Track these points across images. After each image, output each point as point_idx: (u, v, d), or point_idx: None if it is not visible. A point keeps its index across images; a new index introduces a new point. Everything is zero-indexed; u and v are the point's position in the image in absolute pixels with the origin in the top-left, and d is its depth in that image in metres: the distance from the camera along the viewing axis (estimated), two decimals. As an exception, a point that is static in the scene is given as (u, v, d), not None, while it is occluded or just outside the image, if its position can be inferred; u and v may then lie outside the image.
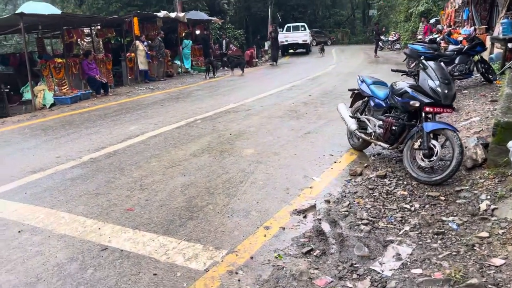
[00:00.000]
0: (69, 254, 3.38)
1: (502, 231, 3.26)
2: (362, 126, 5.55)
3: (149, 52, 15.49)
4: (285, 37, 27.76)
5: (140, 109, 9.78)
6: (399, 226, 3.63)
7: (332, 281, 2.86)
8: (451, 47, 12.95)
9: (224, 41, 22.08)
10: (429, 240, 3.35)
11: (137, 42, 14.36)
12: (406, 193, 4.28)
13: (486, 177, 4.19)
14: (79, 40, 13.66)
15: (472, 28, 15.00)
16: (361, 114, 5.61)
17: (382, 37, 27.05)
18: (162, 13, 15.80)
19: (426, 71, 4.50)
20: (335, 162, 5.42)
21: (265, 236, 3.56)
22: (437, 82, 4.36)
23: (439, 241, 3.29)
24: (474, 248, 3.12)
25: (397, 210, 3.92)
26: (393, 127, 4.78)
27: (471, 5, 16.93)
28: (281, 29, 29.47)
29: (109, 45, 16.49)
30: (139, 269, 3.10)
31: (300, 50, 29.45)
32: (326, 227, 3.69)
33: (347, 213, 3.93)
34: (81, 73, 12.32)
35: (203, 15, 20.41)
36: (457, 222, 3.56)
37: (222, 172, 5.19)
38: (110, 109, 9.94)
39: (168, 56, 17.29)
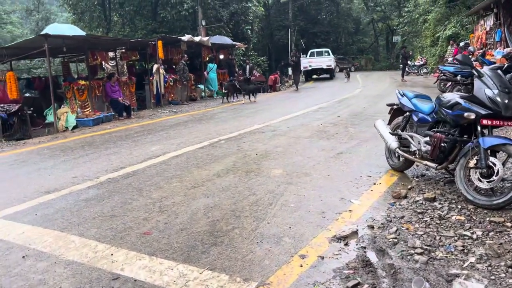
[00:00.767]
0: (75, 283, 2.92)
1: None
2: (403, 144, 5.01)
3: (172, 77, 15.44)
4: (309, 62, 27.56)
5: (162, 130, 9.48)
6: (462, 257, 3.04)
7: (391, 326, 2.30)
8: (486, 67, 12.35)
9: (247, 66, 21.97)
10: (503, 275, 2.76)
11: (159, 66, 14.31)
12: (462, 218, 3.69)
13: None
14: (103, 63, 13.68)
15: (508, 48, 14.38)
16: (402, 131, 5.07)
17: (408, 62, 26.50)
18: (186, 37, 15.80)
19: (482, 79, 3.97)
20: (374, 184, 4.87)
21: (301, 266, 3.03)
22: (496, 91, 3.82)
23: (517, 276, 2.70)
24: None
25: (456, 238, 3.34)
26: (443, 144, 4.22)
27: (503, 26, 16.33)
28: (304, 55, 29.36)
29: (133, 69, 16.54)
30: (153, 304, 2.61)
31: (324, 75, 29.15)
32: (373, 256, 3.14)
33: (395, 240, 3.37)
34: (104, 95, 12.23)
35: (227, 40, 20.43)
36: (535, 253, 2.95)
37: (248, 193, 4.71)
38: (131, 131, 9.69)
39: (191, 80, 17.20)
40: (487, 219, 3.61)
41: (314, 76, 29.78)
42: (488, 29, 18.51)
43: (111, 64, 14.99)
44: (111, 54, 14.37)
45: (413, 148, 4.75)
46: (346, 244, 3.36)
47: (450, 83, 11.91)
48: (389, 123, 5.56)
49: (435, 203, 4.09)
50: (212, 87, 18.90)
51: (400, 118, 5.28)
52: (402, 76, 22.48)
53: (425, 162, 4.57)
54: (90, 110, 11.49)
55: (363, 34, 58.93)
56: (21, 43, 11.12)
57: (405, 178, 5.05)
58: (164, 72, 14.62)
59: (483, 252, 3.07)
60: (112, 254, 3.35)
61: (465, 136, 4.22)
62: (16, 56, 11.22)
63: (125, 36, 23.56)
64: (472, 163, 3.93)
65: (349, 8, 54.86)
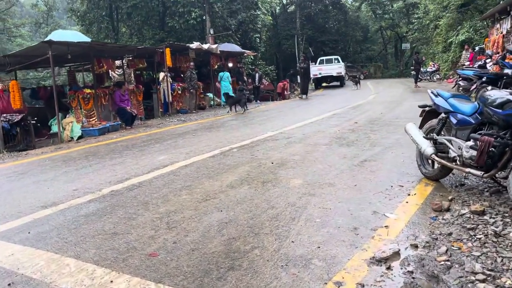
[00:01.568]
0: (65, 320, 2.41)
1: None
2: (439, 150, 4.46)
3: (180, 85, 15.06)
4: (318, 69, 27.10)
5: (171, 139, 9.01)
6: (536, 285, 2.48)
7: None
8: (507, 70, 11.85)
9: (257, 74, 21.56)
10: None
11: (165, 74, 13.92)
12: (523, 235, 3.13)
13: None
14: (110, 71, 13.32)
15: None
16: (437, 135, 4.52)
17: (421, 68, 25.89)
18: (194, 44, 15.43)
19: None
20: (409, 195, 4.31)
21: (339, 297, 2.49)
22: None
23: None
24: None
25: (522, 260, 2.78)
26: (491, 148, 3.67)
27: (522, 29, 15.76)
28: (313, 63, 28.90)
29: (140, 78, 16.18)
30: None
31: (334, 83, 28.65)
32: (425, 284, 2.59)
33: (448, 263, 2.82)
34: (110, 104, 11.83)
35: (235, 47, 20.05)
36: None
37: (267, 206, 4.18)
38: (138, 140, 9.23)
39: (200, 88, 16.80)
40: (554, 236, 3.05)
41: (324, 84, 29.32)
42: (504, 32, 17.90)
43: (118, 73, 14.65)
44: (118, 62, 14.03)
45: (452, 154, 4.20)
46: (388, 268, 2.82)
47: (474, 86, 11.32)
48: (421, 127, 5.02)
49: (485, 217, 3.53)
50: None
51: (435, 120, 4.74)
52: (415, 82, 21.88)
53: (468, 169, 4.01)
54: (96, 120, 11.08)
55: (371, 42, 58.46)
56: (24, 51, 10.78)
57: (442, 188, 4.49)
58: (171, 80, 14.22)
59: (561, 278, 2.52)
60: (112, 281, 2.84)
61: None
62: (20, 65, 10.88)
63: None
64: (528, 170, 3.38)
65: (357, 16, 54.54)
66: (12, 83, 10.21)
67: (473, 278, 2.61)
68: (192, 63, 15.58)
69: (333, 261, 2.96)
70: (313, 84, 29.15)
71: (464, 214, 3.65)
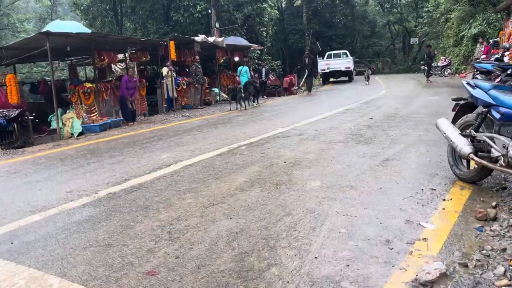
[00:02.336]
0: None
1: None
2: (478, 148, 3.92)
3: (185, 79, 14.57)
4: (326, 64, 26.45)
5: (175, 135, 8.52)
6: None
7: None
8: (530, 62, 11.27)
9: (263, 69, 20.96)
10: None
11: (169, 68, 13.41)
12: None
13: None
14: (112, 65, 12.83)
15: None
16: (476, 132, 3.98)
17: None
18: (200, 37, 14.89)
19: None
20: (444, 200, 3.78)
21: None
22: None
23: None
24: None
25: None
26: (547, 147, 3.13)
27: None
28: (321, 58, 28.23)
29: (144, 73, 15.70)
30: None
31: (342, 78, 28.01)
32: (488, 319, 2.07)
33: (511, 288, 2.30)
34: (112, 99, 11.35)
35: (242, 41, 19.48)
36: None
37: (282, 213, 3.67)
38: (140, 136, 8.75)
39: (206, 83, 16.28)
40: None
41: (331, 79, 28.69)
42: (522, 24, 17.23)
43: (121, 67, 14.16)
44: (120, 56, 13.54)
45: (495, 154, 3.66)
46: (437, 294, 2.31)
47: (499, 79, 10.71)
48: (454, 122, 4.48)
49: (542, 229, 3.00)
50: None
51: (471, 115, 4.20)
52: (427, 76, 21.22)
53: (515, 171, 3.48)
54: (97, 115, 10.61)
55: (378, 37, 57.53)
56: (20, 43, 10.29)
57: (481, 192, 3.95)
58: (175, 75, 13.71)
59: None
60: (100, 309, 2.35)
61: None
62: (17, 58, 10.41)
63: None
64: None
65: (364, 11, 53.70)
66: (9, 76, 9.76)
67: (548, 311, 2.09)
68: (197, 57, 15.05)
69: (367, 284, 2.45)
70: (321, 79, 28.54)
71: (515, 224, 3.12)
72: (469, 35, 25.36)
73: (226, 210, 3.83)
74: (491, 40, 20.91)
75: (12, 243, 3.41)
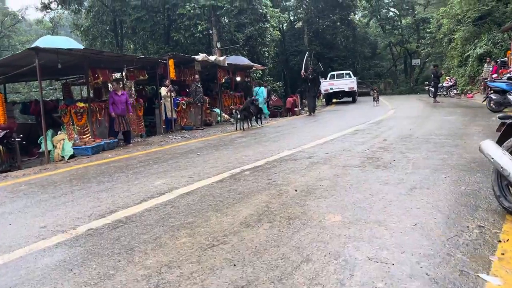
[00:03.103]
0: None
1: None
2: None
3: (184, 99, 13.97)
4: (329, 85, 25.92)
5: (172, 159, 7.81)
6: None
7: None
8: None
9: (265, 90, 20.44)
10: None
11: (168, 88, 12.82)
12: None
13: None
14: (108, 83, 12.23)
15: None
16: (533, 156, 3.28)
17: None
18: (200, 56, 14.37)
19: None
20: (499, 242, 3.05)
21: None
22: None
23: None
24: None
25: None
26: None
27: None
28: (323, 79, 27.77)
29: (143, 92, 15.11)
30: None
31: (345, 98, 27.46)
32: None
33: None
34: (107, 119, 10.69)
35: (244, 60, 19.00)
36: None
37: (300, 258, 2.94)
38: (134, 160, 8.04)
39: (206, 103, 15.68)
40: None
41: (334, 100, 28.16)
42: (532, 43, 16.74)
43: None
44: (117, 74, 12.96)
45: (562, 184, 2.95)
46: None
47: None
48: (499, 142, 3.78)
49: None
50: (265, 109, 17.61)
51: (524, 136, 3.50)
52: (434, 96, 20.62)
53: None
54: (90, 137, 9.93)
55: (380, 59, 57.52)
56: (7, 60, 9.70)
57: (543, 231, 3.22)
58: (174, 95, 13.12)
59: None
60: None
61: None
62: (4, 75, 9.80)
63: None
64: None
65: (365, 32, 53.84)
66: (-4, 95, 9.14)
67: None
68: (197, 76, 14.48)
69: None
70: (324, 99, 28.01)
71: None
72: (474, 56, 24.96)
73: (229, 254, 3.09)
74: (498, 60, 20.44)
75: (-46, 300, 2.67)
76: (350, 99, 27.09)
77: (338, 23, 48.80)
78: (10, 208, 4.94)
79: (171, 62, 12.59)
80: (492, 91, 12.50)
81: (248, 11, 23.28)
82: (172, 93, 13.15)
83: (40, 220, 4.32)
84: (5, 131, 8.64)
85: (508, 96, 11.39)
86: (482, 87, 21.79)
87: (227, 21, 26.29)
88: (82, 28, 27.93)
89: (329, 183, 5.04)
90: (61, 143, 9.85)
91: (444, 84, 26.71)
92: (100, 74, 10.62)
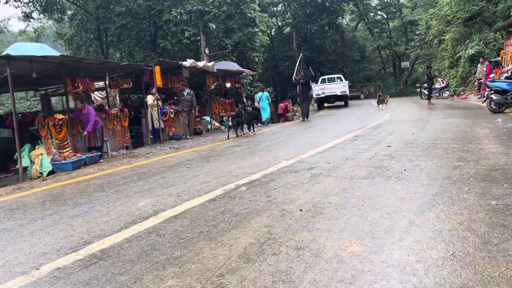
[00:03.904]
0: None
1: None
2: None
3: (172, 108, 13.30)
4: (321, 89, 25.46)
5: (158, 173, 7.13)
6: None
7: None
8: None
9: (256, 95, 19.85)
10: None
11: (155, 97, 12.15)
12: None
13: None
14: (92, 94, 11.53)
15: None
16: None
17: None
18: (188, 62, 13.72)
19: None
20: None
21: None
22: None
23: None
24: None
25: None
26: None
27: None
28: (314, 83, 27.31)
29: (128, 101, 14.40)
30: None
31: (337, 103, 27.00)
32: None
33: None
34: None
35: (234, 65, 18.39)
36: None
37: (318, 308, 2.29)
38: (118, 176, 7.34)
39: (196, 111, 15.02)
40: None
41: (326, 105, 27.69)
42: (527, 42, 16.42)
43: (101, 96, 12.87)
44: (101, 84, 12.25)
45: None
46: None
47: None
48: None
49: None
50: (264, 116, 17.23)
51: None
52: (429, 98, 20.24)
53: None
54: (70, 151, 9.20)
55: (369, 62, 57.51)
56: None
57: None
58: (160, 104, 12.45)
59: None
60: None
61: None
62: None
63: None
64: None
65: (353, 36, 53.70)
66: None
67: None
68: (185, 83, 13.82)
69: None
70: (315, 104, 27.53)
71: None
72: (466, 56, 24.72)
73: (228, 303, 2.44)
74: (492, 60, 20.16)
75: None
76: (342, 103, 26.66)
77: (326, 28, 48.60)
78: (-34, 241, 4.22)
79: (157, 69, 11.94)
80: (492, 92, 12.05)
81: (236, 16, 22.74)
82: (159, 102, 12.47)
83: (-2, 257, 3.62)
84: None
85: None
86: (476, 88, 21.49)
87: (215, 27, 25.75)
88: (65, 37, 27.10)
89: (338, 199, 4.41)
90: (39, 158, 9.10)
91: (436, 86, 26.42)
92: (80, 83, 9.91)
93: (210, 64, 15.21)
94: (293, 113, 20.82)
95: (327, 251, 3.09)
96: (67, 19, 27.48)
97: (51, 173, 8.89)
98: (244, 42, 25.09)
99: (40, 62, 8.34)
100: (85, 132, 9.36)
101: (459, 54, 25.76)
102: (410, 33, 46.50)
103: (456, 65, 27.30)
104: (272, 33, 48.29)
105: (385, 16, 51.76)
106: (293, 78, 18.36)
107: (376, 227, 3.48)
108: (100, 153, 9.64)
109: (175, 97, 14.89)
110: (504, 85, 11.81)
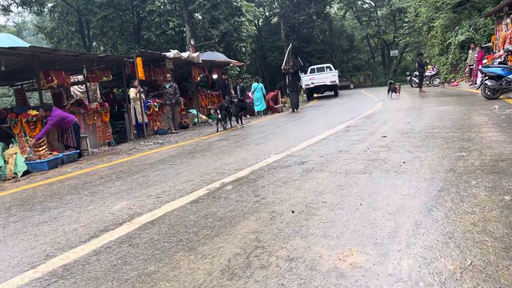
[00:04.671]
0: None
1: None
2: None
3: (157, 101, 12.74)
4: (310, 79, 25.02)
5: (139, 172, 6.63)
6: None
7: None
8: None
9: (238, 87, 19.31)
10: None
11: (137, 90, 11.59)
12: None
13: None
14: (72, 88, 10.90)
15: None
16: None
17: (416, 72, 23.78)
18: (172, 53, 13.13)
19: None
20: None
21: None
22: None
23: None
24: None
25: None
26: None
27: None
28: (303, 73, 26.83)
29: (110, 95, 13.79)
30: None
31: (327, 93, 26.62)
32: None
33: None
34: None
35: (220, 56, 17.81)
36: None
37: None
38: (95, 175, 6.82)
39: (181, 104, 14.47)
40: None
41: (315, 95, 27.29)
42: (518, 26, 16.09)
43: (81, 90, 12.25)
44: (80, 77, 11.62)
45: None
46: None
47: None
48: None
49: None
50: (259, 108, 17.32)
51: None
52: (420, 86, 19.90)
53: None
54: (46, 149, 8.64)
55: (357, 51, 57.20)
56: None
57: None
58: (144, 97, 11.88)
59: None
60: None
61: None
62: None
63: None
64: None
65: (341, 25, 53.27)
66: None
67: None
68: (168, 75, 13.26)
69: None
70: (305, 95, 27.11)
71: None
72: (456, 43, 24.42)
73: (206, 336, 1.99)
74: (482, 46, 19.87)
75: None
76: (332, 93, 26.29)
77: (315, 17, 48.07)
78: None
79: (139, 61, 11.36)
80: (486, 78, 11.71)
81: (221, 5, 22.08)
82: (142, 95, 11.90)
83: None
84: None
85: None
86: (467, 74, 21.22)
87: (200, 17, 25.08)
88: (45, 30, 26.17)
89: (333, 198, 3.98)
90: (13, 157, 8.53)
91: (427, 73, 26.11)
92: (55, 77, 9.30)
93: (195, 55, 14.63)
94: (282, 104, 20.32)
95: (324, 262, 2.65)
96: (47, 12, 26.52)
97: (26, 173, 8.34)
98: (231, 33, 24.47)
99: (9, 55, 7.74)
100: (33, 140, 8.56)
101: (449, 41, 25.46)
102: (398, 20, 46.21)
103: (446, 52, 27.02)
104: (260, 23, 47.62)
105: (373, 4, 51.37)
106: (282, 68, 17.88)
107: (379, 231, 3.06)
108: (78, 150, 9.09)
109: (159, 90, 14.33)
110: (498, 71, 11.48)
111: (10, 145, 8.85)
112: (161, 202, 4.50)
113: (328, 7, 49.45)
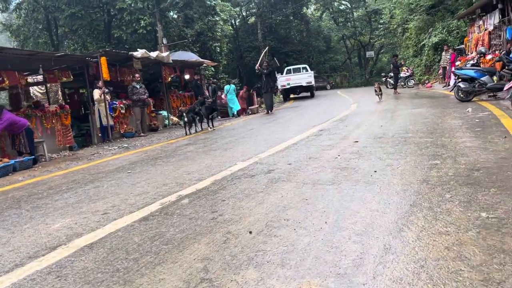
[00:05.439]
0: None
1: None
2: None
3: (123, 103, 12.15)
4: (286, 80, 24.72)
5: (93, 181, 6.11)
6: None
7: None
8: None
9: (210, 87, 18.69)
10: None
11: (102, 91, 10.99)
12: None
13: None
14: (31, 89, 10.21)
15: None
16: None
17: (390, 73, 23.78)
18: (139, 52, 12.55)
19: None
20: None
21: None
22: None
23: None
24: None
25: None
26: None
27: (515, 22, 14.04)
28: (279, 74, 26.51)
29: (75, 97, 13.11)
30: None
31: (303, 94, 26.39)
32: None
33: None
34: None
35: (192, 56, 17.28)
36: None
37: None
38: (44, 185, 6.25)
39: (151, 106, 13.90)
40: None
41: (292, 96, 27.03)
42: (491, 28, 16.17)
43: (41, 91, 11.55)
44: (39, 77, 10.94)
45: None
46: None
47: (509, 85, 9.11)
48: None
49: None
50: (234, 109, 17.33)
51: None
52: (395, 88, 19.86)
53: None
54: (-3, 155, 8.00)
55: (334, 52, 57.35)
56: None
57: None
58: (109, 98, 11.29)
59: None
60: None
61: None
62: None
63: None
64: None
65: (318, 26, 53.28)
66: None
67: None
68: (137, 75, 12.69)
69: None
70: (281, 96, 26.82)
71: None
72: (429, 44, 24.56)
73: None
74: (455, 47, 19.99)
75: None
76: (308, 94, 26.08)
77: (291, 18, 47.93)
78: None
79: (103, 60, 10.76)
80: (460, 80, 11.61)
81: (195, 4, 21.53)
82: (107, 96, 11.30)
83: None
84: None
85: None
86: (441, 76, 21.33)
87: (175, 16, 24.48)
88: (11, 28, 25.04)
89: (297, 214, 3.59)
90: (-39, 165, 7.84)
91: (401, 75, 26.20)
92: (6, 77, 8.65)
93: (165, 54, 14.08)
94: (258, 105, 19.94)
95: (277, 300, 2.25)
96: (13, 8, 25.38)
97: (-26, 181, 7.66)
98: (205, 32, 23.93)
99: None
100: None
101: (423, 43, 25.60)
102: (374, 22, 46.52)
103: (420, 53, 27.21)
104: (237, 23, 47.17)
105: (349, 6, 51.62)
106: (256, 68, 17.46)
107: (343, 257, 2.68)
108: (33, 156, 8.45)
109: (128, 90, 13.71)
110: (471, 73, 11.39)
111: (-43, 151, 8.15)
112: (107, 219, 4.02)
113: (305, 8, 49.42)
